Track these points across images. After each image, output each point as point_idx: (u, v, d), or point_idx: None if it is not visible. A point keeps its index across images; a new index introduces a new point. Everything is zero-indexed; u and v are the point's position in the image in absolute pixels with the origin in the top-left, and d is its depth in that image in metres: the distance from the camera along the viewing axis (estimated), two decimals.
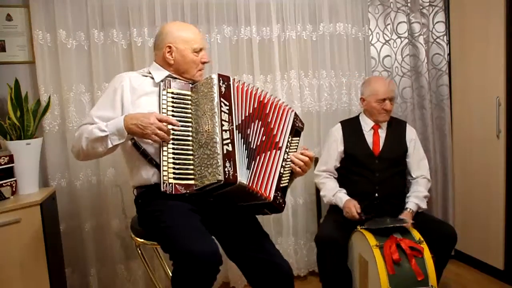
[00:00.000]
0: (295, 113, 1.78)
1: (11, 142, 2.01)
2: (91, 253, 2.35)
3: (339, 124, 2.43)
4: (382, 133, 2.34)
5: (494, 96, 2.40)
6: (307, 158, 1.70)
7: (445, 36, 2.80)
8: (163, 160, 1.53)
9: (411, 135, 2.38)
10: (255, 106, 1.67)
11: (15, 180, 2.02)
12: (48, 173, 2.27)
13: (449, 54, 2.80)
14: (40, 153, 2.12)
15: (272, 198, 1.58)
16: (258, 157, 1.61)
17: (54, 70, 2.24)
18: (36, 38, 2.19)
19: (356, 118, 2.44)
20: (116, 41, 2.32)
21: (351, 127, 2.39)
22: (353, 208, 2.13)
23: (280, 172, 1.63)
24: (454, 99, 2.77)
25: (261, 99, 1.70)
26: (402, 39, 2.79)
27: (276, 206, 1.62)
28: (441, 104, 2.84)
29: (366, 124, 2.37)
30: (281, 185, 1.64)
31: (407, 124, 2.43)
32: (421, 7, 2.80)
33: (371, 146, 2.31)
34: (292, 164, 1.68)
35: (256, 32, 2.50)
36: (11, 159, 1.99)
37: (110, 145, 1.57)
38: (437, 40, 2.81)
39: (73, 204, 2.32)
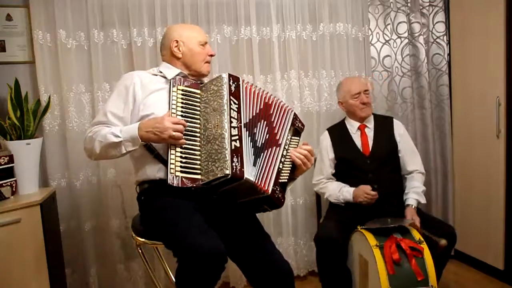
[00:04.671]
0: (295, 113, 1.81)
1: (11, 142, 2.01)
2: (91, 253, 2.35)
3: (326, 131, 2.43)
4: (370, 132, 2.34)
5: (494, 96, 2.40)
6: (306, 152, 1.70)
7: (445, 36, 2.80)
8: (171, 154, 1.53)
9: (399, 129, 2.37)
10: (261, 106, 1.70)
11: (15, 180, 2.02)
12: (48, 173, 2.27)
13: (449, 54, 2.80)
14: (40, 153, 2.12)
15: (270, 191, 1.57)
16: (263, 154, 1.62)
17: (54, 70, 2.24)
18: (36, 38, 2.20)
19: (342, 122, 2.44)
20: (116, 41, 2.32)
21: (338, 132, 2.39)
22: (364, 194, 2.12)
23: (278, 167, 1.64)
24: (454, 99, 2.77)
25: (266, 100, 1.73)
26: (402, 39, 2.79)
27: (275, 200, 1.61)
28: (441, 104, 2.84)
29: (352, 126, 2.37)
30: (280, 180, 1.64)
31: (394, 119, 2.42)
32: (421, 7, 2.80)
33: (360, 147, 2.30)
34: (293, 157, 1.69)
35: (256, 32, 2.50)
36: (11, 159, 1.99)
37: (123, 151, 1.59)
38: (437, 40, 2.81)
39: (73, 204, 2.32)
